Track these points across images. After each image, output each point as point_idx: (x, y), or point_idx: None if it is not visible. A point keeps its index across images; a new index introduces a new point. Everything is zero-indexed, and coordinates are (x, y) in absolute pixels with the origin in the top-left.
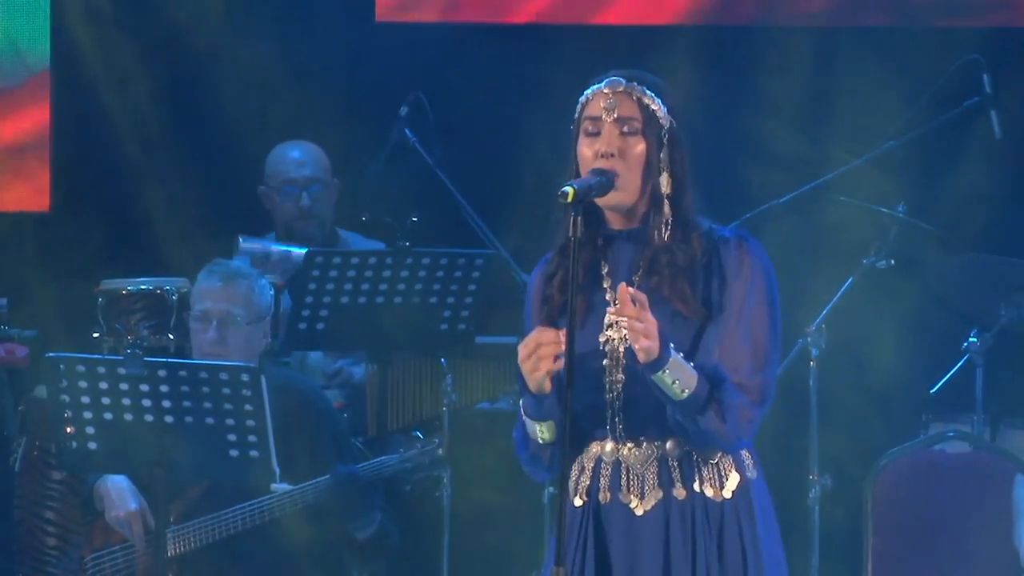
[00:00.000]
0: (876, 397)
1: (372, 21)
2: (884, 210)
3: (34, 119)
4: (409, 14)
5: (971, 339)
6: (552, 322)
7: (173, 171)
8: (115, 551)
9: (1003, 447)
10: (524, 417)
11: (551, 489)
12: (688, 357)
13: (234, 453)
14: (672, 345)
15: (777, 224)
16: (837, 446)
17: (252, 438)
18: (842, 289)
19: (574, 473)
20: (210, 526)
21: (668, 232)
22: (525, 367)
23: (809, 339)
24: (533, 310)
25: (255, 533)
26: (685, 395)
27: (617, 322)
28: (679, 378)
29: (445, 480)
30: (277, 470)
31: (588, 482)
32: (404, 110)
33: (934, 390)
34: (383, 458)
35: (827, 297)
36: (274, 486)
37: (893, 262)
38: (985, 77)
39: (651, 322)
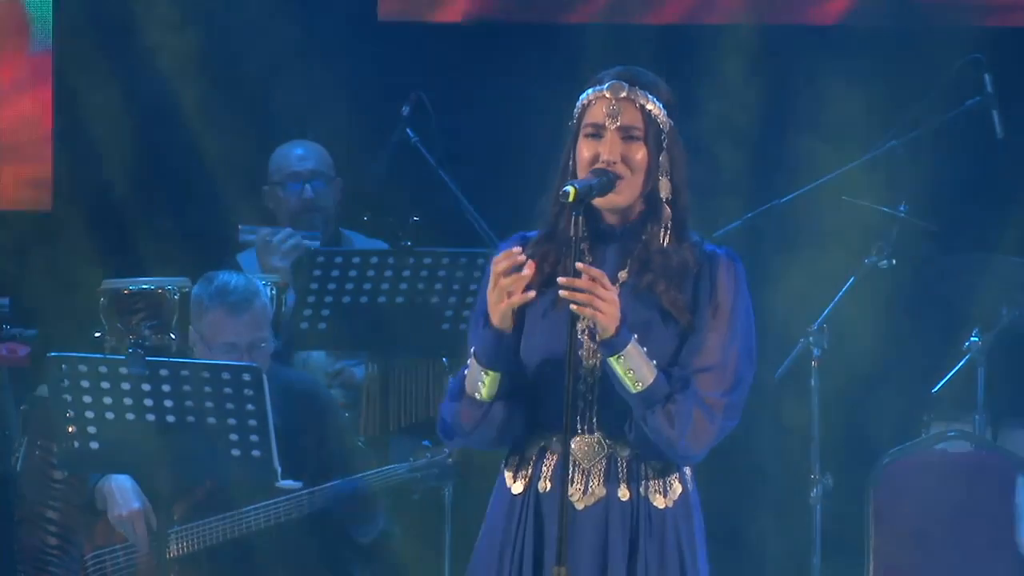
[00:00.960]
0: (877, 396)
1: (374, 20)
2: (886, 209)
3: (36, 119)
4: (411, 13)
5: (972, 339)
6: (527, 304)
7: (175, 171)
8: (116, 550)
9: (1004, 447)
10: (471, 366)
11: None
12: (670, 360)
13: (236, 453)
14: (635, 336)
15: (779, 224)
16: (839, 445)
17: (254, 437)
18: (843, 289)
19: (512, 461)
20: (213, 528)
21: (665, 236)
22: (495, 293)
23: (811, 339)
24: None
25: (258, 535)
26: (639, 388)
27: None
28: (634, 368)
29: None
30: (279, 469)
31: (530, 470)
32: (406, 110)
33: (935, 390)
34: (392, 466)
35: (829, 297)
36: (281, 483)
37: (895, 262)
38: (987, 77)
39: (611, 300)
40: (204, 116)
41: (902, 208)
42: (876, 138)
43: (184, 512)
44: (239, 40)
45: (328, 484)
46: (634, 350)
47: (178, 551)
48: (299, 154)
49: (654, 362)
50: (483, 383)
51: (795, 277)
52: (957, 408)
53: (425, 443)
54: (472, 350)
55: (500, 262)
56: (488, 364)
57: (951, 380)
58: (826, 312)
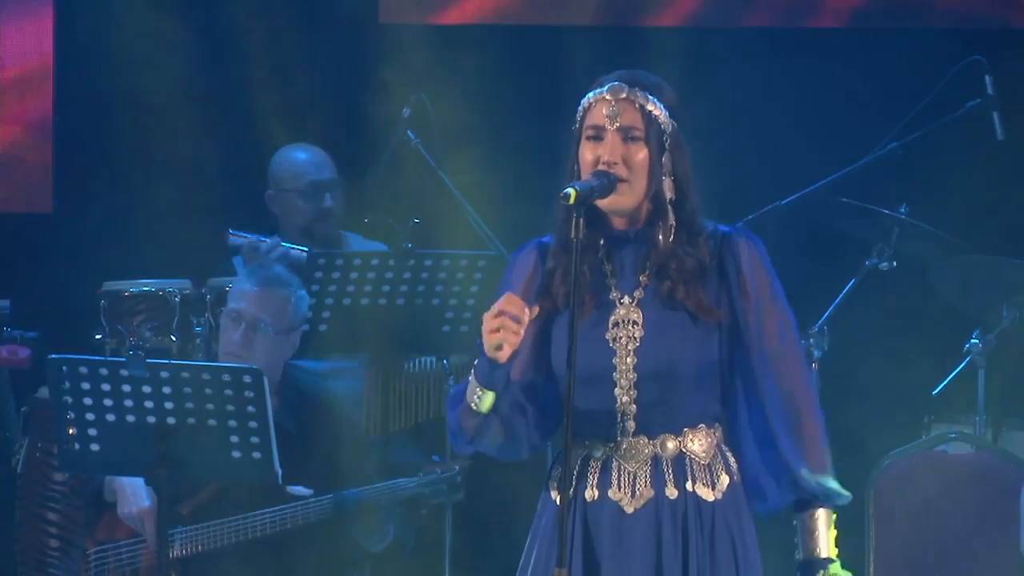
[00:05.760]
0: (878, 398)
1: (375, 22)
2: (886, 211)
3: (37, 120)
4: (412, 15)
5: (973, 340)
6: (552, 316)
7: (176, 173)
8: (120, 546)
9: (1005, 448)
10: (471, 377)
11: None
12: (709, 357)
13: (236, 454)
14: (822, 560)
15: (780, 225)
16: (839, 447)
17: (255, 439)
18: (844, 290)
19: (557, 472)
20: (219, 530)
21: (673, 236)
22: (486, 327)
23: (811, 340)
24: (518, 292)
25: (264, 541)
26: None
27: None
28: (828, 535)
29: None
30: (280, 471)
31: (574, 481)
32: (406, 111)
33: (936, 391)
34: (401, 480)
35: (829, 299)
36: (291, 489)
37: (895, 263)
38: (987, 78)
39: None
40: (205, 117)
41: (903, 210)
42: (877, 140)
43: (191, 512)
44: (240, 41)
45: (326, 497)
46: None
47: (182, 552)
48: (313, 161)
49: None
50: (479, 397)
51: (796, 279)
52: (958, 410)
53: (435, 458)
54: (476, 363)
55: (490, 313)
56: (484, 384)
57: (952, 382)
58: (827, 314)
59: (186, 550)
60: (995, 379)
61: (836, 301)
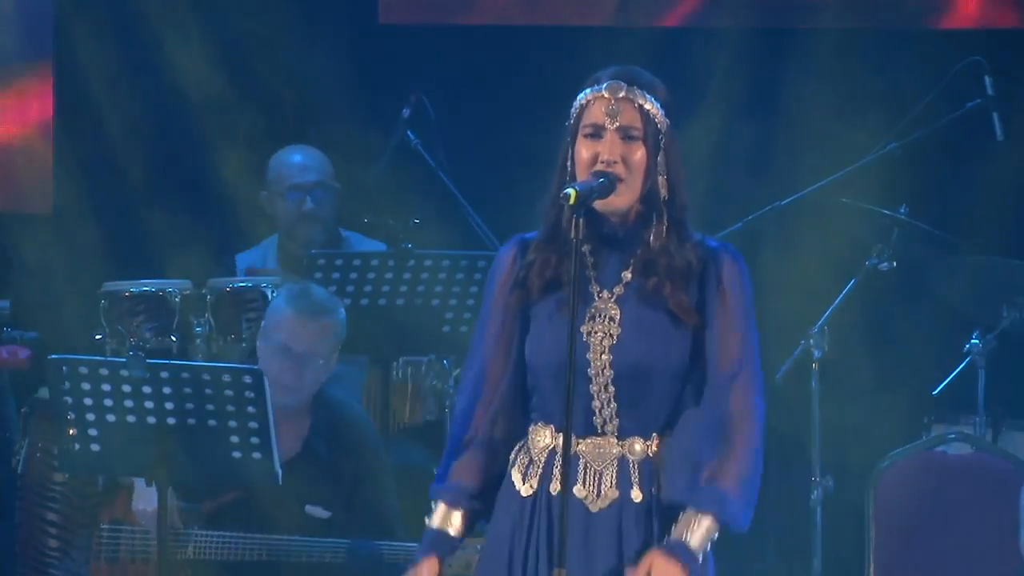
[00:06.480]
0: (878, 399)
1: (375, 23)
2: (886, 212)
3: (37, 121)
4: (412, 16)
5: (973, 341)
6: (526, 308)
7: (176, 173)
8: (136, 531)
9: (1005, 449)
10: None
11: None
12: (688, 357)
13: (237, 455)
14: (686, 544)
15: (780, 226)
16: (839, 448)
17: (255, 440)
18: (844, 291)
19: (521, 463)
20: (233, 544)
21: (665, 235)
22: None
23: (811, 341)
24: (499, 288)
25: (274, 566)
26: (712, 527)
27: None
28: (702, 537)
29: None
30: (280, 471)
31: (540, 471)
32: (406, 112)
33: (936, 392)
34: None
35: (829, 299)
36: (309, 509)
37: (895, 264)
38: (987, 79)
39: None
40: (205, 118)
41: (902, 210)
42: (876, 140)
43: (211, 512)
44: (241, 42)
45: (342, 542)
46: (691, 550)
47: (195, 554)
48: (300, 164)
49: (688, 533)
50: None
51: (796, 279)
52: (958, 410)
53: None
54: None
55: None
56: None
57: (952, 382)
58: (827, 314)
59: (199, 554)
60: (995, 379)
61: (836, 302)
